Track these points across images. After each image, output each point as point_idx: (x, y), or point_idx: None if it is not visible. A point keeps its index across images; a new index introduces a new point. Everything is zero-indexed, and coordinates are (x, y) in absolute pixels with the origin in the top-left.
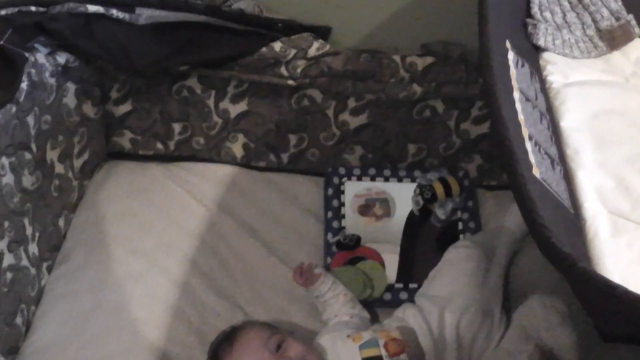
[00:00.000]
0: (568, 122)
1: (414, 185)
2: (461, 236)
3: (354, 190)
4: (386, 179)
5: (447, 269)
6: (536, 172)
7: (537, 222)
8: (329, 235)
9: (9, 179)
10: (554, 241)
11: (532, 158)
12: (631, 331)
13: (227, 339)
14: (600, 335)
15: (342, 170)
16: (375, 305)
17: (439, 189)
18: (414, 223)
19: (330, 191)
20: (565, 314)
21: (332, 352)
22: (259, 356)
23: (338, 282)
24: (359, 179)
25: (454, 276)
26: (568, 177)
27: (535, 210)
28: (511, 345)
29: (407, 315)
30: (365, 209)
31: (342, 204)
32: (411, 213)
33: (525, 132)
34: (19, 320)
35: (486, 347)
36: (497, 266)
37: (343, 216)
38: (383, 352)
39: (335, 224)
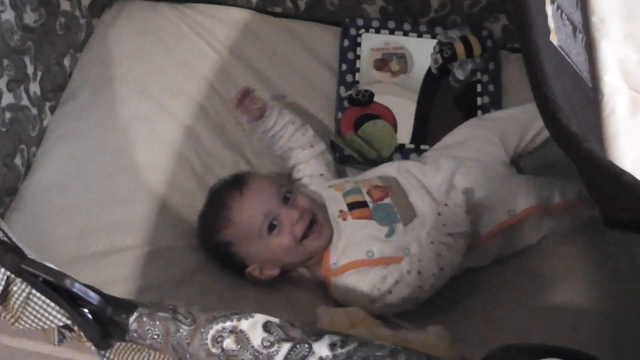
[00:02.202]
0: None
1: (434, 42)
2: (479, 99)
3: (371, 43)
4: (405, 34)
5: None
6: (554, 38)
7: (545, 96)
8: (342, 89)
9: (8, 15)
10: (561, 117)
11: (551, 23)
12: (636, 219)
13: (235, 184)
14: (605, 222)
15: (360, 22)
16: None
17: (460, 48)
18: (431, 82)
19: (346, 43)
20: None
21: (318, 200)
22: (271, 204)
23: (285, 112)
24: (377, 31)
25: (461, 131)
26: (590, 48)
27: (545, 82)
28: None
29: (389, 168)
30: (381, 64)
31: (358, 57)
32: (429, 71)
33: None
34: (18, 160)
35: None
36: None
37: (358, 70)
38: (367, 198)
39: (348, 78)
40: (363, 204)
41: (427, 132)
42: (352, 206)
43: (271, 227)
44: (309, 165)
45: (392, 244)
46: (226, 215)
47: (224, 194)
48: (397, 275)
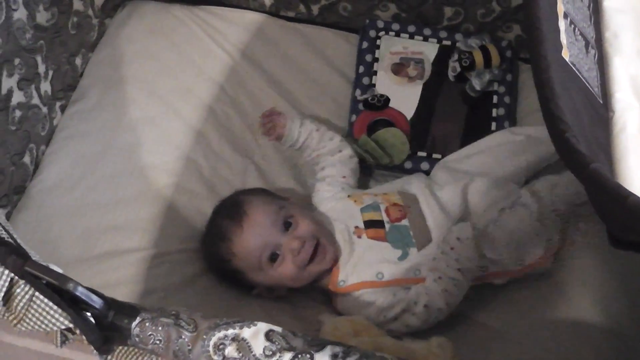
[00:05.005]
0: (611, 2)
1: (453, 49)
2: (494, 110)
3: (389, 46)
4: (425, 39)
5: (484, 146)
6: (566, 54)
7: (553, 113)
8: (357, 92)
9: (21, 14)
10: (568, 137)
11: (563, 38)
12: None
13: (235, 214)
14: (611, 242)
15: (380, 24)
16: (395, 173)
17: (479, 58)
18: (447, 90)
19: (365, 44)
20: None
21: (332, 213)
22: (271, 234)
23: (305, 121)
24: (397, 34)
25: (487, 157)
26: (602, 63)
27: (554, 99)
28: None
29: (409, 184)
30: (398, 68)
31: (376, 60)
32: (446, 78)
33: (560, 8)
34: (27, 159)
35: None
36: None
37: (375, 73)
38: (384, 217)
39: (365, 80)
40: (380, 224)
41: (439, 141)
42: (368, 224)
43: (273, 258)
44: (335, 167)
45: (404, 266)
46: (228, 248)
47: (225, 225)
48: (404, 304)
